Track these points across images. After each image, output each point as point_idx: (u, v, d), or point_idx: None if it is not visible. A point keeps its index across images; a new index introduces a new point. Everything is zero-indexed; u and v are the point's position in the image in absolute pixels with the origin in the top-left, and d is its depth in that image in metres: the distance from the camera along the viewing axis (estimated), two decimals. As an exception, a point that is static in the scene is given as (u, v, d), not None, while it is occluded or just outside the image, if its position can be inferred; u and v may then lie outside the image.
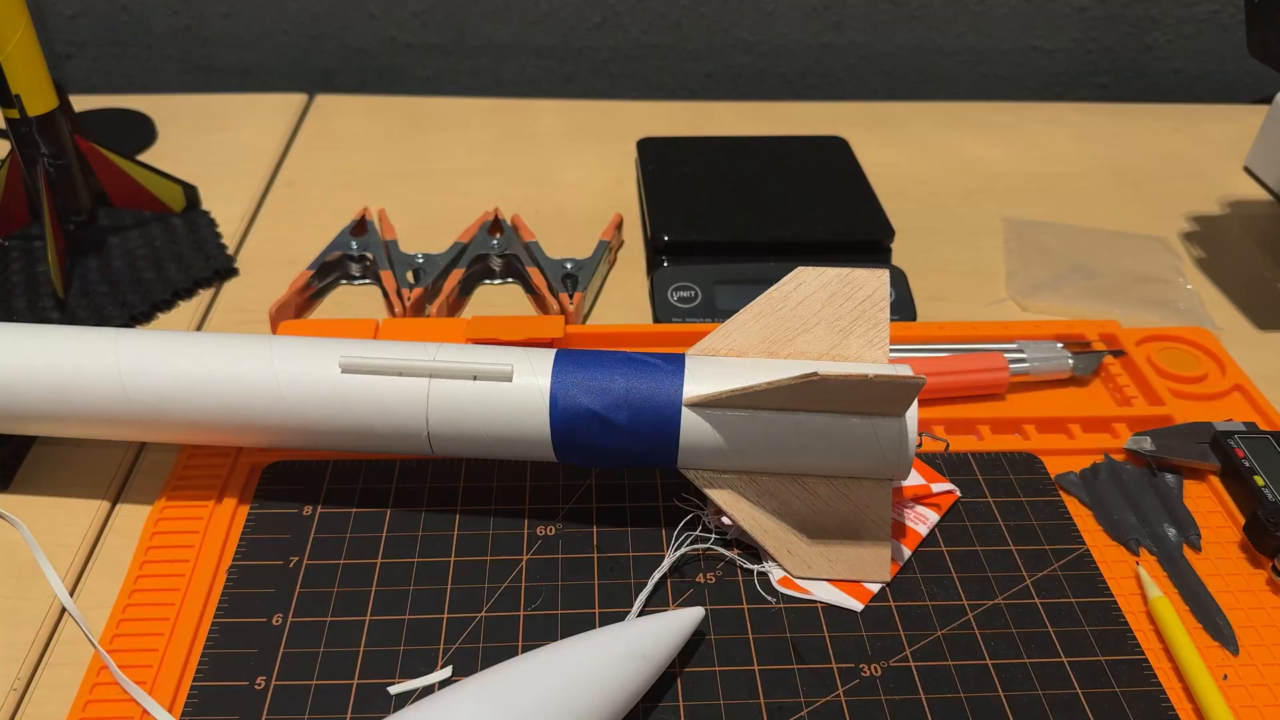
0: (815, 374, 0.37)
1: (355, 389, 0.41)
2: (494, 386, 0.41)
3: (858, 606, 0.41)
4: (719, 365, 0.41)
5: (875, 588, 0.42)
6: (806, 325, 0.42)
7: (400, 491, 0.46)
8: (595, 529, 0.44)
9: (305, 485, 0.46)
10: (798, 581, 0.42)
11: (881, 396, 0.38)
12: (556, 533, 0.44)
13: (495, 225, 0.64)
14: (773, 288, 0.43)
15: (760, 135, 0.74)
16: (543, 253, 0.60)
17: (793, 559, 0.42)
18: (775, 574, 0.42)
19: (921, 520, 0.45)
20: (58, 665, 0.39)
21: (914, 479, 0.46)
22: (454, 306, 0.59)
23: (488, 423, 0.41)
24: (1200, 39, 0.89)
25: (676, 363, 0.41)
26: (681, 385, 0.40)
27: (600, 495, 0.46)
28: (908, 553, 0.43)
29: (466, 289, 0.60)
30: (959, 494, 0.46)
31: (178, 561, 0.42)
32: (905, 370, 0.40)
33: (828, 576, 0.42)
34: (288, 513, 0.44)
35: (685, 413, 0.40)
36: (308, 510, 0.45)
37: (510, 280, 0.62)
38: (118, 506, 0.46)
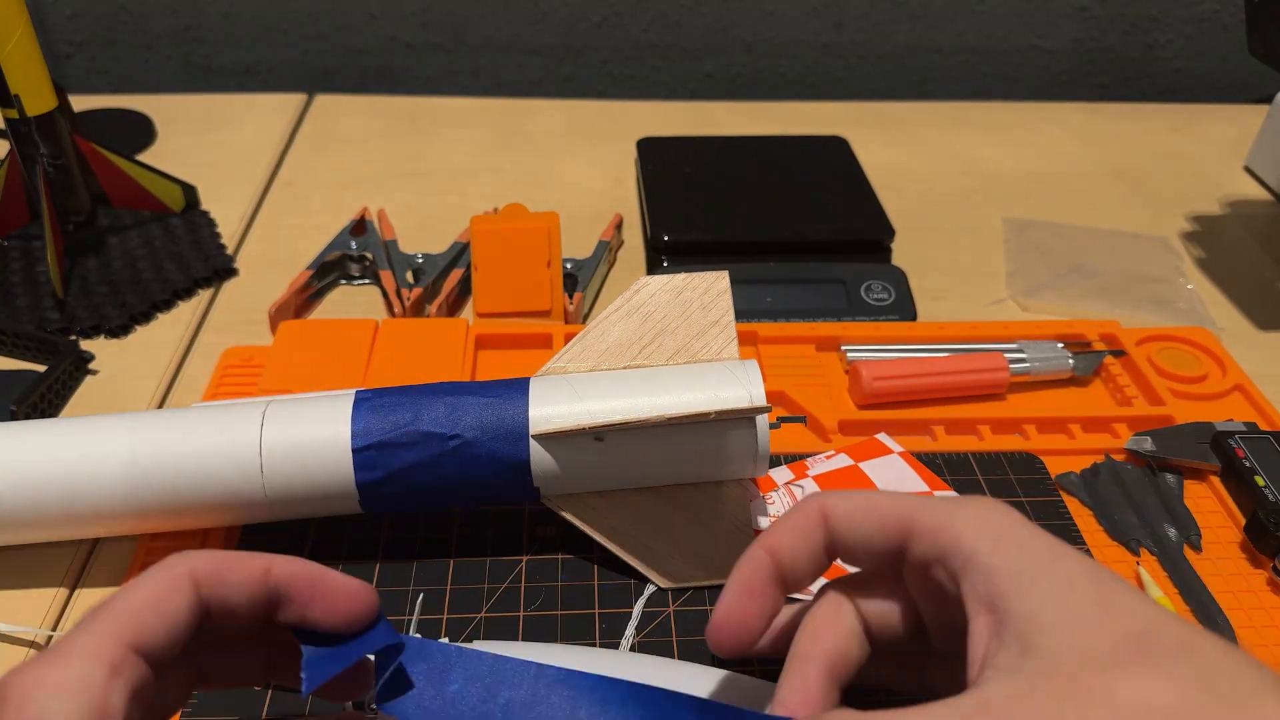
0: (664, 417, 0.38)
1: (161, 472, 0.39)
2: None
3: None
4: (567, 385, 0.40)
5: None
6: (659, 330, 0.42)
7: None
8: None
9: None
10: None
11: (730, 422, 0.39)
12: (556, 533, 0.44)
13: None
14: (620, 298, 0.43)
15: (760, 135, 0.74)
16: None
17: (659, 572, 0.42)
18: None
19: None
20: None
21: (918, 484, 0.46)
22: (454, 306, 0.59)
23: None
24: (1200, 39, 0.89)
25: (519, 388, 0.40)
26: (527, 414, 0.39)
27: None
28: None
29: (466, 289, 0.60)
30: (959, 495, 0.46)
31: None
32: (750, 372, 0.40)
33: (694, 584, 0.42)
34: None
35: (534, 445, 0.39)
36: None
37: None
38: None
